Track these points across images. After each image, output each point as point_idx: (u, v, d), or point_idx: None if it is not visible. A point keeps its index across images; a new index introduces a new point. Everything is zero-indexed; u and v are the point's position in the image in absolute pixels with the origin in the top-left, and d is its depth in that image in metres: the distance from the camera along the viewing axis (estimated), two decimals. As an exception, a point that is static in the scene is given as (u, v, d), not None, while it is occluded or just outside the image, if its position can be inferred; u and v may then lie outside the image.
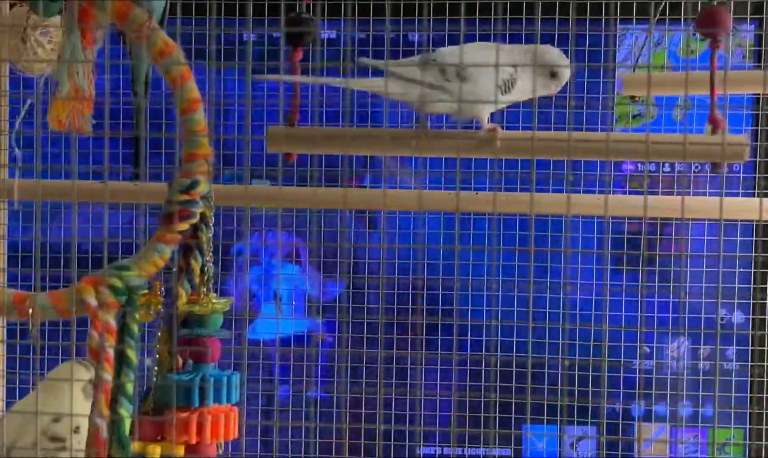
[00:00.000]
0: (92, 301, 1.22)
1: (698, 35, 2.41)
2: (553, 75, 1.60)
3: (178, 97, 1.29)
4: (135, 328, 1.25)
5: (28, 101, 2.15)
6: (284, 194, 2.01)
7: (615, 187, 2.47)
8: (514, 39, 2.40)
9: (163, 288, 1.29)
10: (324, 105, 2.41)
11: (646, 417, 2.50)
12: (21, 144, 2.20)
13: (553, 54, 1.58)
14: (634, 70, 2.06)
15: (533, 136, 1.63)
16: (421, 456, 2.52)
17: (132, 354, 1.24)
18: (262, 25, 2.43)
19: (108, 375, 1.22)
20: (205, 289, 1.35)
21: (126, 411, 1.23)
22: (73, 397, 1.23)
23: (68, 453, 1.23)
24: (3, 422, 1.29)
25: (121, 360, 1.24)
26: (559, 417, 2.46)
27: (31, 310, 1.20)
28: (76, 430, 1.24)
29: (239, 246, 2.55)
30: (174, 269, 1.34)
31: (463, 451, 2.51)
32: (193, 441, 1.29)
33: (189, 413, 1.29)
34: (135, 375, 1.25)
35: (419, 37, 2.48)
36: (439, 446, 2.52)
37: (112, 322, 1.23)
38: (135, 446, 1.26)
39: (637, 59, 2.07)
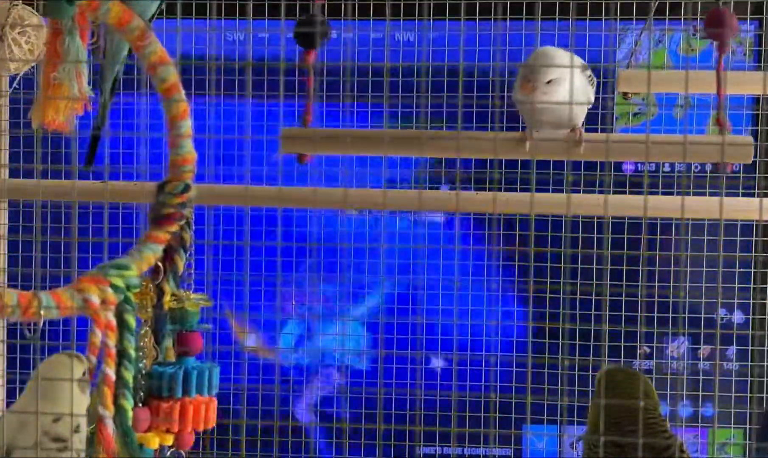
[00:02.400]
0: (95, 299, 1.27)
1: (698, 34, 2.41)
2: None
3: (168, 106, 1.36)
4: (133, 324, 1.32)
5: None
6: (284, 194, 2.01)
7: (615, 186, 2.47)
8: (514, 39, 2.41)
9: (151, 286, 1.38)
10: (324, 105, 2.41)
11: (646, 417, 2.49)
12: (21, 144, 2.21)
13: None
14: (628, 67, 2.06)
15: (533, 136, 1.63)
16: (421, 456, 2.52)
17: (131, 349, 1.32)
18: (262, 25, 2.43)
19: (111, 371, 1.28)
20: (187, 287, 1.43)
21: (128, 403, 1.30)
22: (76, 395, 1.22)
23: (70, 453, 1.23)
24: (1, 421, 1.28)
25: (121, 355, 1.30)
26: (559, 417, 2.46)
27: (42, 311, 1.23)
28: (77, 429, 1.24)
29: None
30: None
31: (463, 451, 2.51)
32: (176, 429, 1.37)
33: (172, 402, 1.38)
34: (135, 369, 1.33)
35: (419, 37, 2.48)
36: (439, 446, 2.52)
37: (113, 319, 1.29)
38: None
39: (632, 56, 2.07)
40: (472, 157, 2.35)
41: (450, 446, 2.52)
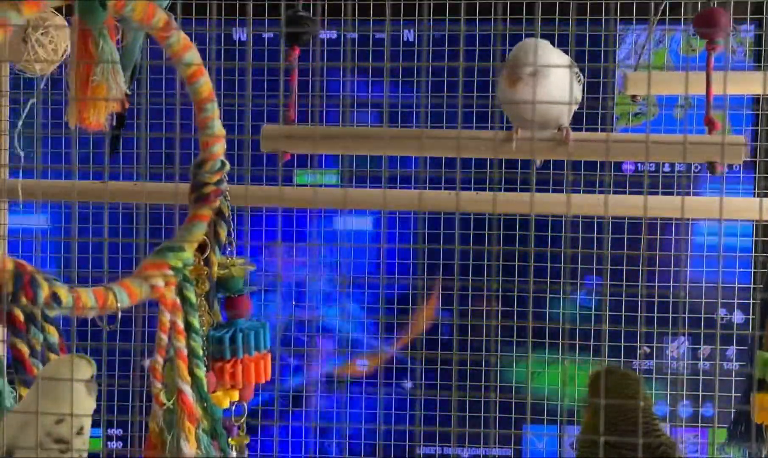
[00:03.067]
0: (161, 283, 1.36)
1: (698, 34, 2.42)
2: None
3: (194, 90, 1.41)
4: (194, 299, 1.42)
5: (30, 101, 2.16)
6: (284, 194, 2.01)
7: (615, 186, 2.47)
8: (514, 39, 2.40)
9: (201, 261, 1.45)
10: (324, 104, 2.41)
11: (646, 417, 2.49)
12: (22, 144, 2.21)
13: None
14: (636, 69, 2.06)
15: (533, 137, 1.63)
16: (421, 456, 2.52)
17: (196, 322, 1.42)
18: (262, 25, 2.43)
19: (182, 345, 1.39)
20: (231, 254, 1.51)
21: (202, 372, 1.41)
22: (76, 394, 1.22)
23: (71, 453, 1.23)
24: (4, 421, 1.28)
25: (189, 329, 1.41)
26: (559, 417, 2.46)
27: (118, 304, 1.30)
28: (80, 432, 1.24)
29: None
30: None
31: (463, 451, 2.51)
32: (240, 386, 1.48)
33: (233, 362, 1.47)
34: (202, 340, 1.42)
35: (419, 37, 2.48)
36: (439, 446, 2.52)
37: (177, 299, 1.39)
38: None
39: (639, 57, 2.07)
40: (472, 157, 2.36)
41: (450, 446, 2.52)
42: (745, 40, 2.45)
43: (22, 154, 2.20)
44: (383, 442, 2.49)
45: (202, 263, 1.44)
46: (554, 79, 1.58)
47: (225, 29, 2.47)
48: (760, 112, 2.40)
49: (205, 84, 1.42)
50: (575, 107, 1.73)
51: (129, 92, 1.56)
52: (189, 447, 1.37)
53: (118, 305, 1.30)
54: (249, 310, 1.51)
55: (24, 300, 1.24)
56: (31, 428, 1.20)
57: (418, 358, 2.51)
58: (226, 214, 1.47)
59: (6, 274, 1.23)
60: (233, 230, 1.48)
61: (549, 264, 2.45)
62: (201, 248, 1.44)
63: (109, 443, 2.50)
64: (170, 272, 1.38)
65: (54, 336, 1.37)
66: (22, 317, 1.33)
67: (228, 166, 1.45)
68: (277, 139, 1.64)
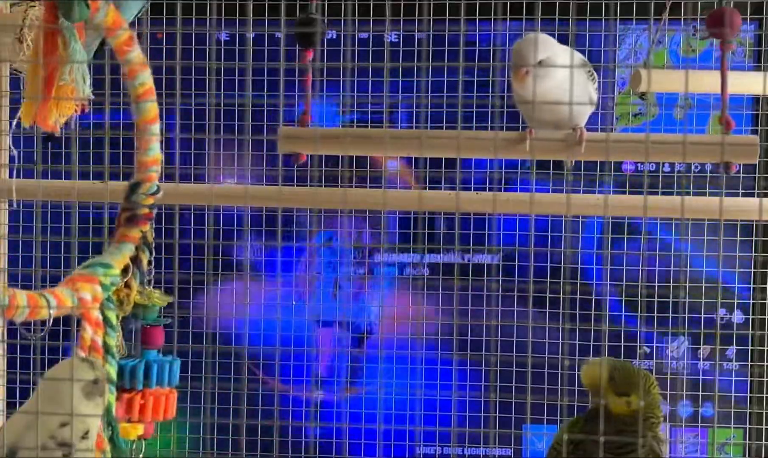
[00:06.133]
0: (89, 298, 1.33)
1: (699, 34, 2.41)
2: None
3: (140, 110, 1.42)
4: (114, 321, 1.40)
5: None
6: (284, 194, 2.01)
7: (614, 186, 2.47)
8: (514, 39, 2.40)
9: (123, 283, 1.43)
10: (324, 104, 2.41)
11: (646, 417, 2.49)
12: (22, 144, 2.20)
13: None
14: (645, 66, 2.05)
15: (533, 137, 1.63)
16: (422, 456, 2.52)
17: (113, 344, 1.39)
18: (262, 25, 2.43)
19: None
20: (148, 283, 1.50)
21: (113, 397, 1.38)
22: (78, 401, 1.22)
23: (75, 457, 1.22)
24: (8, 423, 1.28)
25: (106, 350, 1.39)
26: (559, 417, 2.46)
27: (52, 311, 1.28)
28: (86, 435, 1.24)
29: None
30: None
31: (463, 451, 2.51)
32: (135, 418, 1.45)
33: (134, 394, 1.46)
34: (117, 363, 1.40)
35: (419, 37, 2.47)
36: (439, 446, 2.52)
37: (101, 317, 1.37)
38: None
39: (649, 54, 2.07)
40: (472, 157, 2.36)
41: (450, 446, 2.52)
42: (745, 40, 2.45)
43: (15, 153, 2.19)
44: (383, 442, 2.49)
45: (123, 286, 1.43)
46: (563, 71, 1.57)
47: (229, 29, 2.47)
48: (760, 112, 2.40)
49: (153, 105, 1.42)
50: (592, 108, 1.72)
51: (93, 96, 1.54)
52: None
53: (50, 311, 1.28)
54: (161, 342, 1.50)
55: None
56: (34, 430, 1.20)
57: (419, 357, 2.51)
58: (150, 241, 1.46)
59: None
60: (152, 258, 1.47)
61: (548, 264, 2.46)
62: (123, 271, 1.43)
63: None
64: (99, 288, 1.36)
65: None
66: None
67: (161, 193, 1.45)
68: (293, 140, 1.64)
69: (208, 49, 2.38)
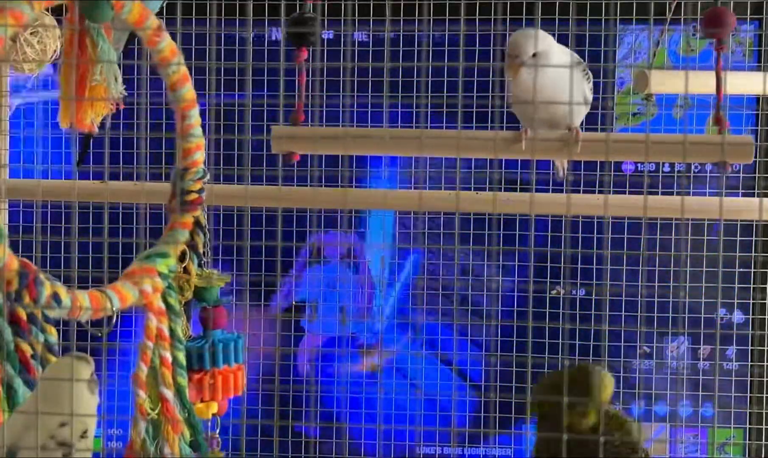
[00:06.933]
0: (149, 289, 1.36)
1: (698, 34, 2.41)
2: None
3: (177, 97, 1.41)
4: (177, 307, 1.42)
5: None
6: (284, 194, 2.01)
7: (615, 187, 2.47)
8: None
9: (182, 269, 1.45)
10: (324, 104, 2.41)
11: (646, 416, 2.50)
12: (22, 144, 2.21)
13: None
14: (651, 67, 2.05)
15: (534, 137, 1.63)
16: (422, 456, 2.52)
17: (179, 330, 1.42)
18: (262, 25, 2.43)
19: (167, 353, 1.39)
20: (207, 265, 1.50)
21: (184, 381, 1.42)
22: (79, 397, 1.22)
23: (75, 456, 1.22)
24: (7, 423, 1.28)
25: (173, 336, 1.41)
26: (558, 417, 2.45)
27: (114, 309, 1.30)
28: (84, 435, 1.23)
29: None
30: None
31: (463, 451, 2.51)
32: (206, 397, 1.47)
33: (202, 374, 1.47)
34: (184, 348, 1.43)
35: (418, 37, 2.48)
36: (439, 446, 2.52)
37: (163, 305, 1.39)
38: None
39: (654, 55, 2.07)
40: (472, 157, 2.36)
41: (450, 446, 2.52)
42: (745, 40, 2.45)
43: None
44: (383, 442, 2.49)
45: (182, 271, 1.44)
46: (556, 61, 1.57)
47: (239, 29, 2.47)
48: (760, 112, 2.40)
49: (189, 91, 1.42)
50: (587, 108, 1.72)
51: (125, 93, 1.55)
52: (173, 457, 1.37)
53: (113, 309, 1.30)
54: (225, 322, 1.51)
55: (27, 299, 1.23)
56: (34, 430, 1.20)
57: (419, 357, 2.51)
58: (203, 224, 1.47)
59: (11, 273, 1.22)
60: (210, 240, 1.49)
61: (550, 264, 2.46)
62: (180, 257, 1.44)
63: (108, 443, 2.50)
64: (158, 278, 1.38)
65: (53, 336, 1.37)
66: (25, 317, 1.33)
67: (208, 175, 1.46)
68: (286, 140, 1.64)
69: (208, 49, 2.38)
